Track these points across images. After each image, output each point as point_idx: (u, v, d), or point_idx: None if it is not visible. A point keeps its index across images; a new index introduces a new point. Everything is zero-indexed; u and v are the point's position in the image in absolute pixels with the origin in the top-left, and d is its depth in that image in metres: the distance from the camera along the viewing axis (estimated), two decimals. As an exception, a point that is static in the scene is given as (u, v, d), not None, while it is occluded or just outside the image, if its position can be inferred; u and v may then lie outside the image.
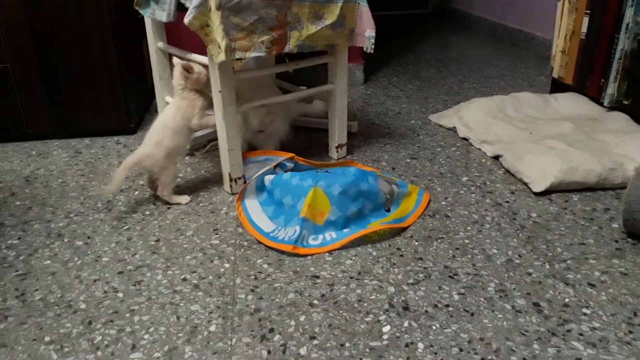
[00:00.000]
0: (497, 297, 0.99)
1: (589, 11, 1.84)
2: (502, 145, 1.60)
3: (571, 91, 1.96)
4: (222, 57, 1.21)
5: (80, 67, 1.73)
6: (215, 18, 1.19)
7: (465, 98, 2.15)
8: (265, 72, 1.51)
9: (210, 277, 1.07)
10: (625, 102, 1.73)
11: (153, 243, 1.20)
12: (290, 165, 1.40)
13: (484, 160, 1.59)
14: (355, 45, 1.47)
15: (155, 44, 1.57)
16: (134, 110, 1.90)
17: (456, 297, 1.00)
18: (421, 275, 1.06)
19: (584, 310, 0.96)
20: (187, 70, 1.33)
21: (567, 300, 0.98)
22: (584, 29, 1.86)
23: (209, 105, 1.37)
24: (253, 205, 1.31)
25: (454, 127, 1.81)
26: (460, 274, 1.06)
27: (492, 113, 1.81)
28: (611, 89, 1.73)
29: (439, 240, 1.18)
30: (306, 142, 1.71)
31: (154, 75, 1.63)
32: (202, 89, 1.37)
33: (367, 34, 1.45)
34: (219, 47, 1.21)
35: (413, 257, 1.12)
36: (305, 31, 1.34)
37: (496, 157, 1.59)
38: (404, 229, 1.22)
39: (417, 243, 1.17)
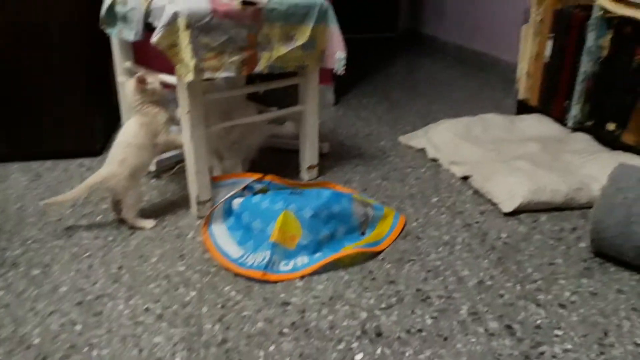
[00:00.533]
0: (470, 320, 0.98)
1: (552, 35, 1.89)
2: (471, 166, 1.61)
3: (536, 113, 2.01)
4: (190, 76, 1.19)
5: (42, 84, 1.67)
6: (184, 37, 1.17)
7: (433, 120, 2.17)
8: (235, 92, 1.49)
9: (175, 307, 1.03)
10: (588, 124, 1.78)
11: (115, 271, 1.15)
12: (259, 186, 1.37)
13: (453, 181, 1.60)
14: (326, 66, 1.47)
15: (121, 64, 1.53)
16: (99, 130, 1.85)
17: (429, 321, 0.98)
18: (393, 299, 1.04)
19: (556, 331, 0.95)
20: (142, 82, 1.29)
21: (538, 321, 0.98)
22: (548, 52, 1.92)
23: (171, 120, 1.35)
24: (220, 230, 1.28)
25: (424, 148, 1.82)
26: (432, 297, 1.05)
27: (460, 134, 1.83)
28: (575, 110, 1.78)
29: (411, 263, 1.17)
30: (277, 164, 1.68)
31: (120, 95, 1.59)
32: (160, 101, 1.33)
33: (337, 56, 1.45)
34: (188, 66, 1.19)
35: (385, 281, 1.10)
36: (276, 52, 1.33)
37: (465, 178, 1.60)
38: (377, 253, 1.20)
39: (389, 266, 1.15)
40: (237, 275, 1.12)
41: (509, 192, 1.40)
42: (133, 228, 1.32)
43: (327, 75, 2.37)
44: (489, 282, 1.09)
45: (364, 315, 0.99)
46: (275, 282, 1.10)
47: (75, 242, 1.27)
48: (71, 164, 1.75)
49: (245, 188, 1.34)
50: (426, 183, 1.58)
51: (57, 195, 1.29)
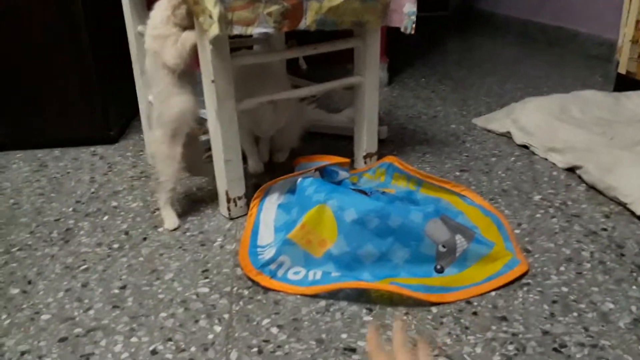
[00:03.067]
0: (639, 388, 0.63)
1: (672, -12, 1.49)
2: (578, 154, 1.24)
3: (645, 89, 1.60)
4: (215, 29, 0.88)
5: (46, 61, 1.41)
6: (205, -23, 0.86)
7: (511, 99, 1.80)
8: (272, 57, 1.18)
9: (193, 349, 0.72)
10: None
11: (117, 291, 0.86)
12: (344, 174, 1.12)
13: (555, 172, 1.24)
14: (389, 25, 1.14)
15: (134, 28, 1.24)
16: (115, 114, 1.57)
17: (574, 387, 0.64)
18: (511, 347, 0.70)
19: None
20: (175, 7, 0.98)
21: None
22: (666, 11, 1.52)
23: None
24: (270, 208, 1.03)
25: (508, 132, 1.46)
26: (569, 345, 0.70)
27: (555, 115, 1.45)
28: None
29: (526, 289, 0.82)
30: (326, 152, 1.36)
31: (134, 67, 1.30)
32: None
33: (406, 10, 1.12)
34: (211, 17, 0.88)
35: (493, 317, 0.76)
36: (328, 2, 1.01)
37: (571, 169, 1.23)
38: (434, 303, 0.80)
39: (494, 293, 0.81)
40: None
41: (644, 188, 1.03)
42: (157, 227, 1.04)
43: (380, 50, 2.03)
44: (649, 322, 0.74)
45: (470, 373, 0.66)
46: (265, 288, 0.84)
47: (71, 249, 0.99)
48: (82, 152, 1.48)
49: (321, 171, 1.09)
50: (520, 176, 1.22)
51: (58, 190, 1.01)
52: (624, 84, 1.71)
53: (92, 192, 1.22)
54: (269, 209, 1.04)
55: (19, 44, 1.38)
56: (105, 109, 1.51)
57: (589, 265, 0.88)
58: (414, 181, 1.13)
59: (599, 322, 0.75)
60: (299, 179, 1.01)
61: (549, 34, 2.86)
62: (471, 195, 1.07)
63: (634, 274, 0.85)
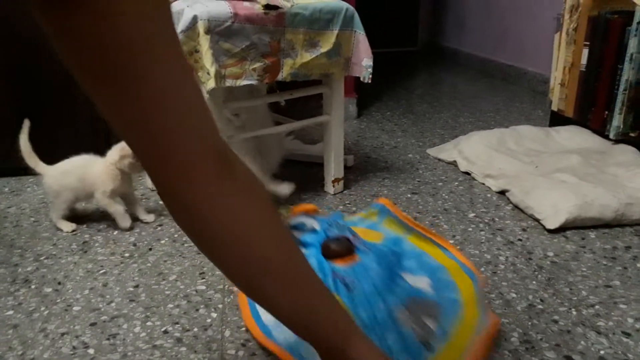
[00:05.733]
0: (523, 350, 0.88)
1: (588, 43, 1.80)
2: (508, 179, 1.51)
3: (572, 124, 1.90)
4: (211, 84, 1.12)
5: (56, 94, 1.63)
6: (204, 43, 1.11)
7: (462, 132, 2.08)
8: (257, 102, 1.43)
9: (195, 329, 0.94)
10: (632, 135, 1.67)
11: (132, 289, 1.07)
12: (310, 222, 1.07)
13: (489, 195, 1.50)
14: (351, 74, 1.40)
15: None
16: (115, 136, 1.79)
17: (477, 349, 0.88)
18: (435, 324, 0.94)
19: (622, 363, 0.84)
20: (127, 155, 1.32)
21: (602, 352, 0.87)
22: (584, 60, 1.82)
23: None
24: None
25: (454, 161, 1.73)
26: (478, 322, 0.95)
27: (493, 146, 1.73)
28: (617, 121, 1.67)
29: (451, 284, 1.07)
30: (301, 177, 1.60)
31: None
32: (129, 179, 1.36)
33: (364, 63, 1.38)
34: (208, 73, 1.12)
35: (424, 303, 1.00)
36: (300, 59, 1.27)
37: (502, 192, 1.50)
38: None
39: (427, 287, 1.06)
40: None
41: (553, 207, 1.29)
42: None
43: (350, 87, 2.31)
44: (540, 306, 0.99)
45: (403, 342, 0.90)
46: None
47: (90, 258, 1.20)
48: (88, 178, 1.69)
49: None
50: (460, 197, 1.48)
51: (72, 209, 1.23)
52: (556, 119, 2.01)
53: (101, 212, 1.42)
54: None
55: (35, 82, 1.61)
56: (110, 135, 1.73)
57: (503, 266, 1.13)
58: (403, 227, 1.11)
59: (503, 307, 0.99)
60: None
61: (504, 72, 3.19)
62: (449, 247, 1.05)
63: (536, 273, 1.10)
